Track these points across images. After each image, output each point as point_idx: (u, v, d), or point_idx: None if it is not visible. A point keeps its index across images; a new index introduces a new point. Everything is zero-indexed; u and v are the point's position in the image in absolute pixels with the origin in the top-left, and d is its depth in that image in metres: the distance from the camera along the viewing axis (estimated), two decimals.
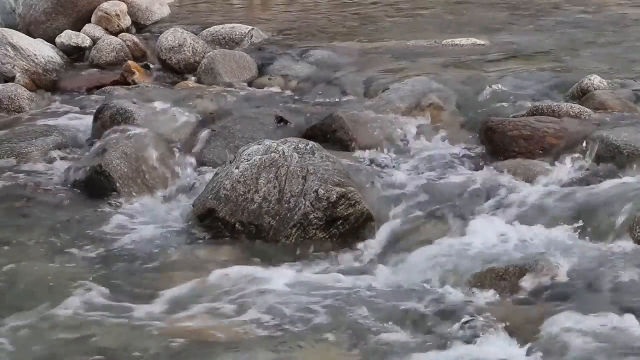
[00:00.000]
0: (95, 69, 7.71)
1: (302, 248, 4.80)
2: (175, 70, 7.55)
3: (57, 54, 7.77)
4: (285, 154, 4.98)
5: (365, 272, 4.55)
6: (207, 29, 8.09)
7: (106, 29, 8.15)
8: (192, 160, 5.82)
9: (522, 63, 7.12)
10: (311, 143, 5.12)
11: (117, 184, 5.49)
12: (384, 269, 4.56)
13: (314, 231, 4.86)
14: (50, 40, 7.95)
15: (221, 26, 8.12)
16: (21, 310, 4.19)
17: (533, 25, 8.44)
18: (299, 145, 5.06)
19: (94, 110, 6.35)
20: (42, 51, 7.62)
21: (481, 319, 3.99)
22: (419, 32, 8.26)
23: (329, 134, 5.81)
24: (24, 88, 7.15)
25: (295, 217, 4.85)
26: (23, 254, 4.79)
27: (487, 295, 4.24)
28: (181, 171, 5.72)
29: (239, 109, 6.40)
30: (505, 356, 3.78)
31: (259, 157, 4.98)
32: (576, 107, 5.90)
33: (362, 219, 4.90)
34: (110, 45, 7.82)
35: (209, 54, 7.43)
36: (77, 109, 6.93)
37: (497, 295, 4.24)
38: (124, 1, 8.39)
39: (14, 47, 7.47)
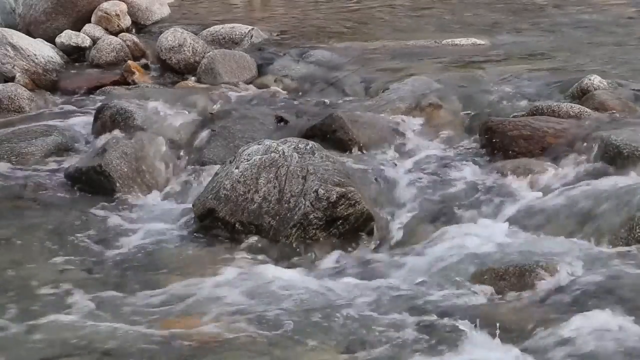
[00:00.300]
0: (95, 69, 7.71)
1: (302, 248, 4.80)
2: (175, 70, 7.55)
3: (57, 54, 7.76)
4: (285, 154, 4.98)
5: (365, 272, 4.55)
6: (207, 29, 8.08)
7: (106, 29, 8.14)
8: (192, 160, 5.82)
9: (522, 63, 7.11)
10: (311, 143, 5.12)
11: (117, 184, 5.49)
12: (383, 269, 4.56)
13: (314, 231, 4.86)
14: (50, 40, 7.94)
15: (221, 26, 8.12)
16: (20, 310, 4.19)
17: (533, 25, 8.43)
18: (299, 145, 5.06)
19: (94, 110, 6.35)
20: (42, 51, 7.62)
21: (481, 319, 3.99)
22: (419, 32, 8.25)
23: (329, 134, 5.81)
24: (24, 88, 7.14)
25: (295, 217, 4.85)
26: (23, 253, 4.79)
27: (486, 296, 4.24)
28: (181, 171, 5.72)
29: (239, 109, 6.39)
30: (505, 356, 3.78)
31: (259, 157, 4.98)
32: (576, 107, 5.90)
33: (362, 219, 4.90)
34: (110, 45, 7.82)
35: (209, 54, 7.43)
36: (77, 109, 6.93)
37: (497, 295, 4.24)
38: (124, 1, 8.39)
39: (14, 47, 7.47)
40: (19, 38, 7.60)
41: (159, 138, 5.86)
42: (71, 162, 5.90)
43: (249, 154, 5.01)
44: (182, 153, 5.86)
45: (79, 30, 8.06)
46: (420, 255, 4.62)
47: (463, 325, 3.95)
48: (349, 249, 4.81)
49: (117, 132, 5.97)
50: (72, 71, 7.69)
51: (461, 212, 5.00)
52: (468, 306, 4.14)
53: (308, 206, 4.85)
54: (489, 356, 3.79)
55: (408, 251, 4.70)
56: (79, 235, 5.00)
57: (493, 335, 3.89)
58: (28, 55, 7.49)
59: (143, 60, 7.77)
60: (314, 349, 3.87)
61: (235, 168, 4.98)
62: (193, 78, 7.38)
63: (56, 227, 5.10)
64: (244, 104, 6.57)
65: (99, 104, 6.48)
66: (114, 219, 5.19)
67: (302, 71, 7.28)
